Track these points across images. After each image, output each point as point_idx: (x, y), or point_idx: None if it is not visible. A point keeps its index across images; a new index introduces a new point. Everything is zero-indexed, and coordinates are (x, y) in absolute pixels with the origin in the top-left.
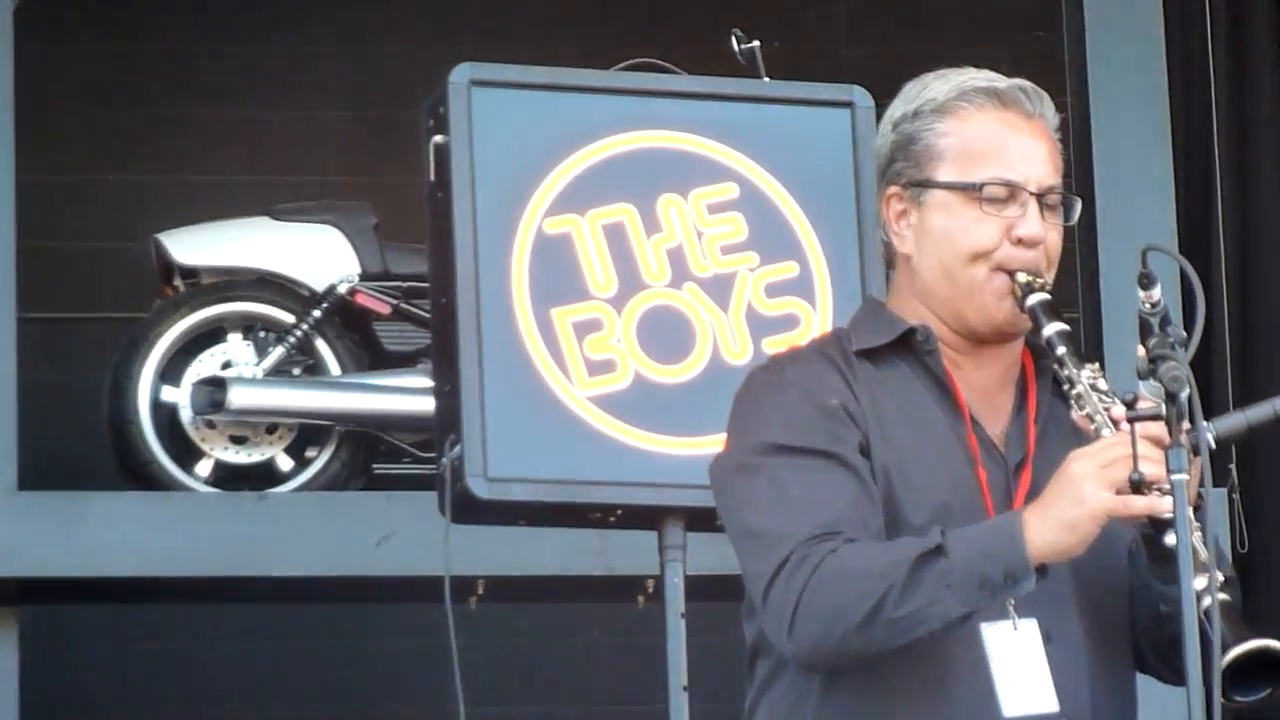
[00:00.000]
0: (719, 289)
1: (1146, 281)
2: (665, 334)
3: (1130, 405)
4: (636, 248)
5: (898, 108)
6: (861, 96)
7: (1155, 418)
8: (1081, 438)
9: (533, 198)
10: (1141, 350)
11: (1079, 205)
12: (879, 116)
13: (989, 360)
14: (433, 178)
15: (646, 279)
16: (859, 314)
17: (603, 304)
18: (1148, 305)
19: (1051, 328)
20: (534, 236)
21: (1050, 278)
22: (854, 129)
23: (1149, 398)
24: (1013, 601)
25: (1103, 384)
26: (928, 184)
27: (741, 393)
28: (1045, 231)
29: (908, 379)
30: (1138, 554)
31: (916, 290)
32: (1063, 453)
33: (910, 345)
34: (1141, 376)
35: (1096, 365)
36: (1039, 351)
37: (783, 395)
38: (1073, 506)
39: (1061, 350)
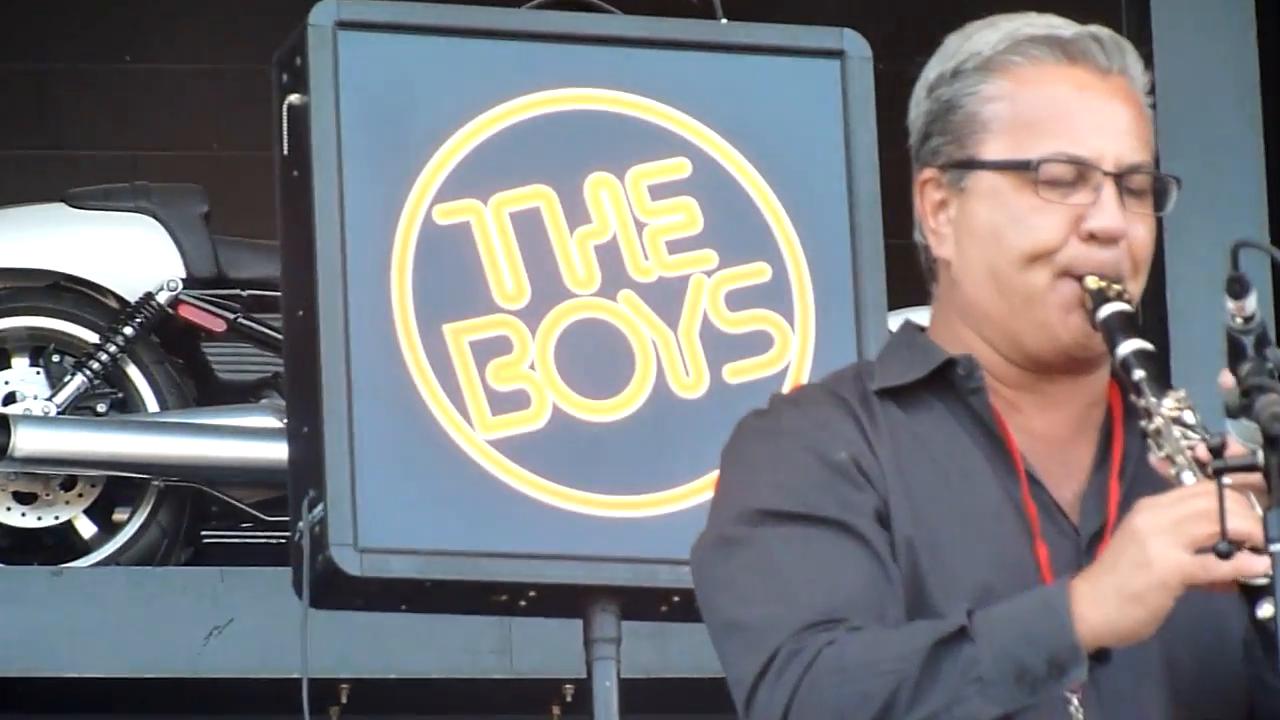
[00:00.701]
0: (665, 298)
1: (1238, 288)
2: (594, 358)
3: (1217, 452)
4: (556, 244)
5: (934, 67)
6: (855, 43)
7: (1249, 468)
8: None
9: (419, 178)
10: (1229, 379)
11: (1175, 190)
12: (901, 76)
13: (1058, 399)
14: (285, 151)
15: (569, 285)
16: (889, 343)
17: (511, 318)
18: (1239, 320)
19: (1127, 346)
20: (420, 228)
21: (1137, 288)
22: (845, 86)
23: (1240, 442)
24: (1075, 701)
25: (1190, 417)
26: (971, 164)
27: (727, 448)
28: (1127, 224)
29: (947, 426)
30: (1252, 643)
31: (959, 308)
32: None
33: (951, 382)
34: (1231, 414)
35: (1183, 393)
36: (1126, 387)
37: (776, 446)
38: (1137, 571)
39: (1139, 374)
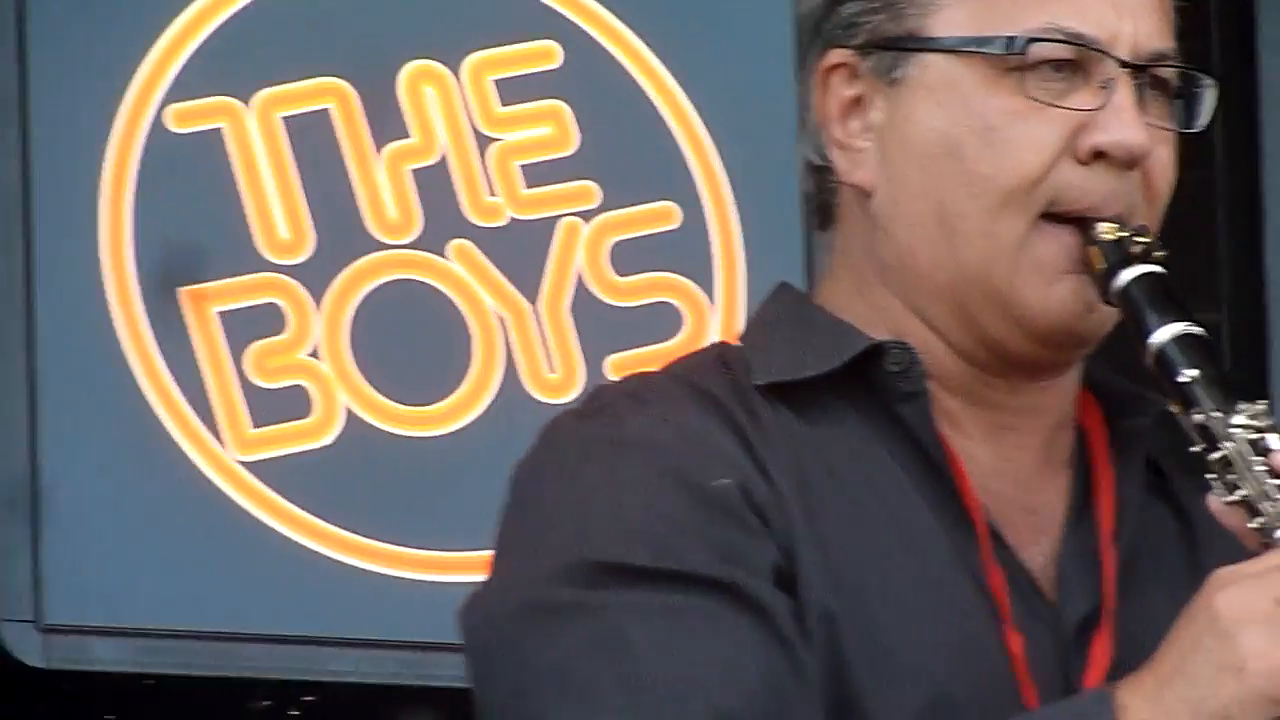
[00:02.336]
0: (520, 253)
1: None
2: (410, 341)
3: None
4: (354, 167)
5: None
6: None
7: None
8: (1230, 556)
9: (143, 63)
10: None
11: (1212, 96)
12: None
13: (1016, 416)
14: None
15: (374, 231)
16: (763, 316)
17: (285, 278)
18: None
19: (1167, 330)
20: (146, 141)
21: (1154, 229)
22: None
23: None
24: None
25: (1275, 441)
26: (913, 43)
27: (530, 465)
28: (1149, 140)
29: (864, 445)
30: None
31: (881, 264)
32: (1176, 600)
33: (870, 379)
34: None
35: (1263, 405)
36: (1117, 398)
37: (618, 467)
38: (1223, 679)
39: (1190, 374)
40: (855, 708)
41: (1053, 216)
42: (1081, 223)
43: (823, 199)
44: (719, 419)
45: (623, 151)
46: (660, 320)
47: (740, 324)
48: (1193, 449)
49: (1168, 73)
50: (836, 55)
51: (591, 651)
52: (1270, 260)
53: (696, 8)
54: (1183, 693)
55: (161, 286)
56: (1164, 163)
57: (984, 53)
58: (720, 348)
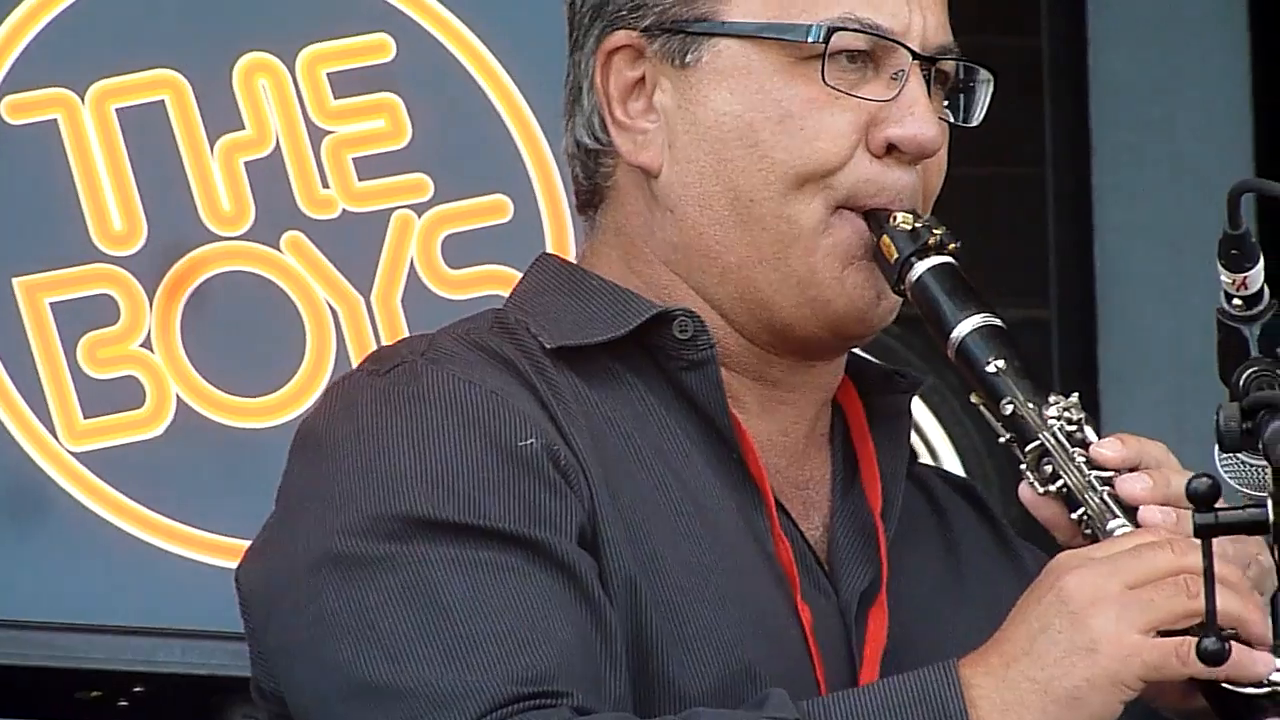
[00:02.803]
0: (353, 245)
1: (1239, 253)
2: (243, 333)
3: (1204, 499)
4: (188, 159)
5: None
6: None
7: (1252, 526)
8: (1004, 548)
9: None
10: (1228, 396)
11: (988, 90)
12: None
13: (791, 393)
14: None
15: (207, 222)
16: (534, 283)
17: (118, 269)
18: (1236, 300)
19: (969, 322)
20: None
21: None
22: None
23: (1242, 488)
24: None
25: (1091, 433)
26: (704, 27)
27: (322, 422)
28: (941, 134)
29: (649, 411)
30: None
31: (664, 244)
32: (932, 571)
33: (653, 346)
34: (1225, 444)
35: (1072, 399)
36: (870, 375)
37: (423, 421)
38: (1074, 660)
39: (996, 368)
40: (656, 675)
41: (850, 207)
42: (881, 215)
43: (591, 180)
44: (516, 380)
45: (455, 145)
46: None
47: None
48: (1001, 439)
49: (948, 66)
50: (620, 37)
51: (400, 603)
52: (1099, 257)
53: (531, 1)
54: (1030, 672)
55: None
56: (940, 157)
57: (783, 39)
58: (494, 313)
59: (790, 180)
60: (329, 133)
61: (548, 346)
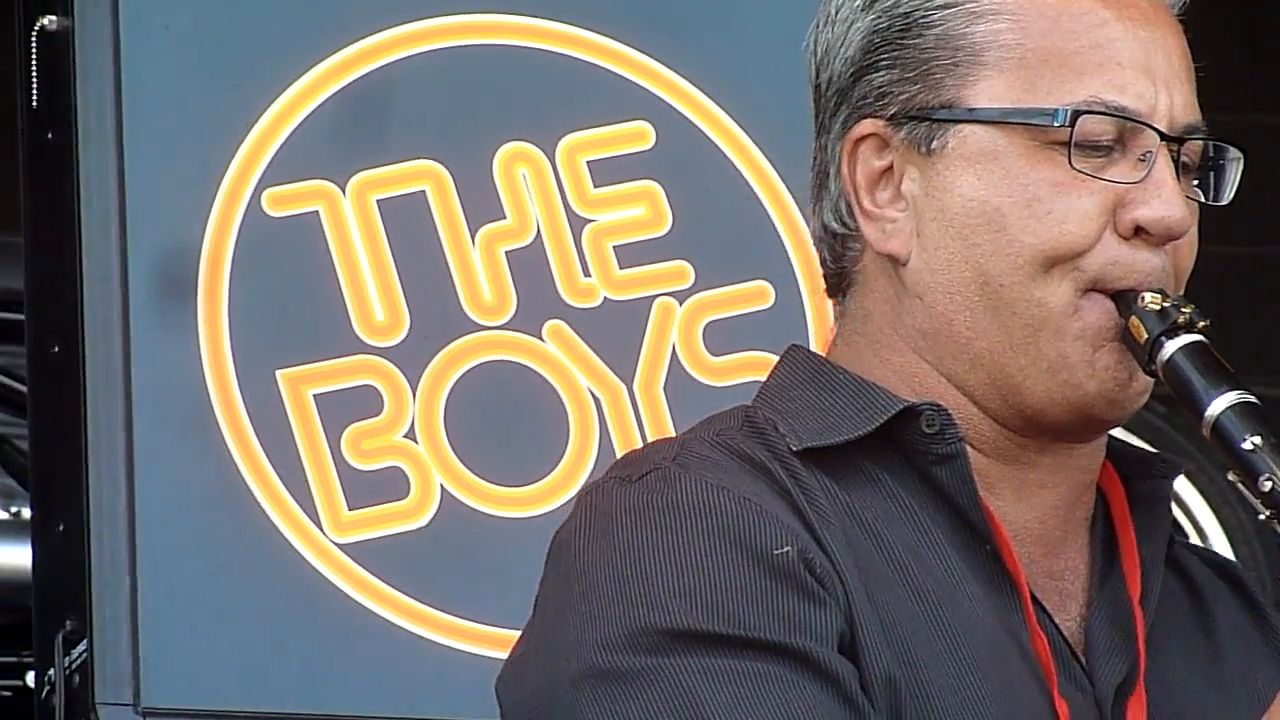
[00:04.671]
0: (615, 333)
1: None
2: (506, 421)
3: None
4: (450, 249)
5: None
6: None
7: None
8: (1266, 632)
9: (242, 146)
10: None
11: (1239, 167)
12: None
13: (1047, 477)
14: (35, 103)
15: (469, 312)
16: (780, 379)
17: (381, 360)
18: None
19: (1223, 400)
20: (243, 223)
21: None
22: None
23: None
24: None
25: None
26: (952, 114)
27: (578, 534)
28: (1190, 215)
29: (901, 509)
30: None
31: (913, 331)
32: (1197, 662)
33: (901, 442)
34: None
35: None
36: (1132, 459)
37: (679, 532)
38: None
39: (1252, 445)
40: None
41: (1100, 289)
42: (1129, 296)
43: (839, 265)
44: (768, 485)
45: (716, 231)
46: None
47: None
48: (1261, 516)
49: (1197, 145)
50: (866, 126)
51: (664, 716)
52: None
53: (789, 88)
54: None
55: (259, 369)
56: (1191, 236)
57: (1026, 127)
58: (743, 411)
59: (1038, 264)
60: (590, 221)
61: (794, 449)
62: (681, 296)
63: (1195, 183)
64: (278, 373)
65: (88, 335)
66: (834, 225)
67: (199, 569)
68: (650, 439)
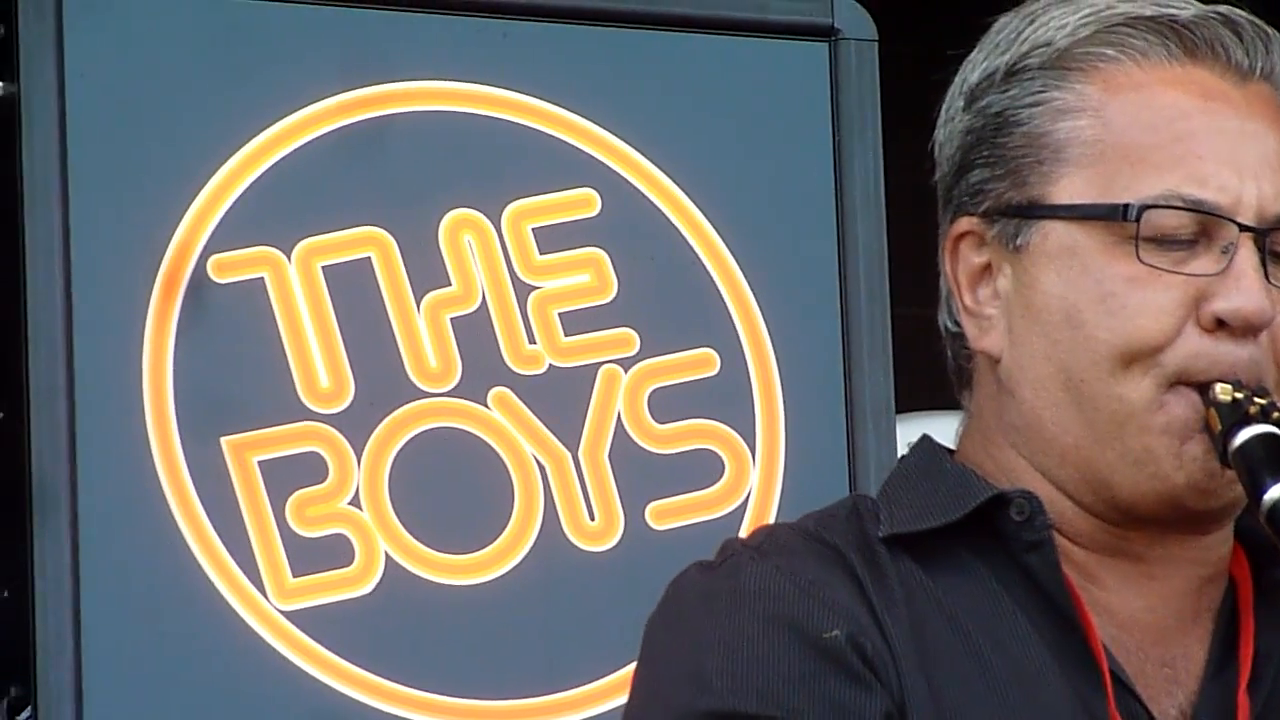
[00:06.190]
0: (560, 401)
1: None
2: (451, 488)
3: None
4: (395, 316)
5: (978, 63)
6: (856, 19)
7: None
8: None
9: (188, 212)
10: None
11: None
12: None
13: (1157, 568)
14: None
15: (414, 379)
16: (900, 469)
17: (326, 427)
18: None
19: (1279, 489)
20: (187, 289)
21: None
22: (836, 80)
23: None
24: None
25: None
26: (1035, 210)
27: (656, 619)
28: (1271, 306)
29: (989, 596)
30: None
31: (1009, 425)
32: None
33: (997, 530)
34: None
35: None
36: (1264, 547)
37: (734, 618)
38: None
39: None
40: None
41: (1184, 382)
42: (1207, 388)
43: (957, 363)
44: (839, 570)
45: (661, 299)
46: (701, 467)
47: (781, 470)
48: None
49: None
50: (965, 223)
51: None
52: None
53: (735, 156)
54: None
55: (203, 436)
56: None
57: (1104, 219)
58: (857, 498)
59: (1116, 360)
60: (535, 288)
61: (880, 535)
62: (627, 364)
63: None
64: (222, 439)
65: (33, 402)
66: (949, 324)
67: (144, 636)
68: (595, 506)
